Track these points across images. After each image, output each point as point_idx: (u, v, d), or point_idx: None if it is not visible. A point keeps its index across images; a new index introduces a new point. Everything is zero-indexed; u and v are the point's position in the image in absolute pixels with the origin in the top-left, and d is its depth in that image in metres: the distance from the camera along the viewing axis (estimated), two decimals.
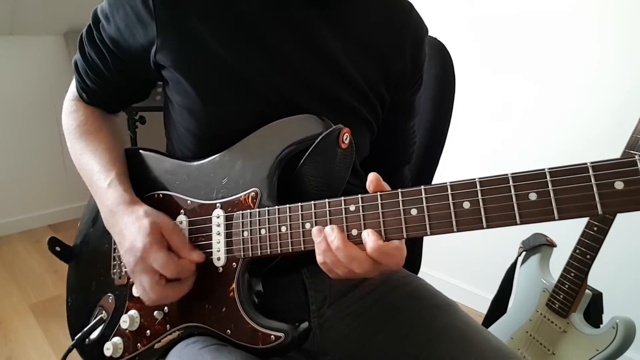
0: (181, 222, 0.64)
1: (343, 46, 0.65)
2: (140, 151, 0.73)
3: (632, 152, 1.00)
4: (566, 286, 1.13)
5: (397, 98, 0.73)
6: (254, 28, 0.61)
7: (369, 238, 0.51)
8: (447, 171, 1.08)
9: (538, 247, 1.26)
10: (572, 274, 1.12)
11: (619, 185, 0.39)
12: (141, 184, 0.68)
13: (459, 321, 0.67)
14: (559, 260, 1.18)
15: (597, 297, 1.14)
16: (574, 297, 1.12)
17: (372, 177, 0.53)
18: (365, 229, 0.52)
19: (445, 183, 0.47)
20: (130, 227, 0.60)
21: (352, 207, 0.52)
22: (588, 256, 1.07)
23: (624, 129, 1.05)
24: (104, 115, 0.76)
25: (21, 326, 1.84)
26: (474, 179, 0.45)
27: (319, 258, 0.53)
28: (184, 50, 0.61)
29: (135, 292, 0.65)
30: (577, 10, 1.47)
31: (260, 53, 0.62)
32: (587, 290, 1.13)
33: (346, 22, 0.66)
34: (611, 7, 1.40)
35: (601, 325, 1.12)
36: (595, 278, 1.12)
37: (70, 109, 0.75)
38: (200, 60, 0.61)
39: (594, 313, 1.14)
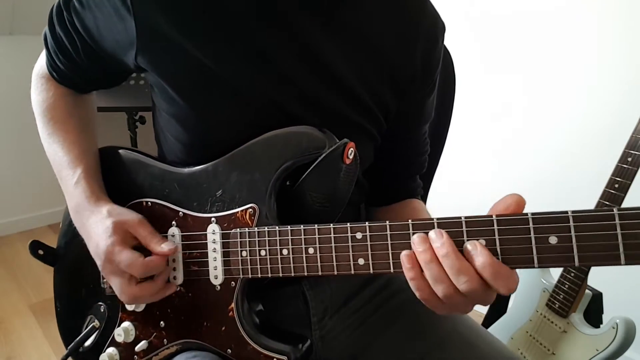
0: (173, 235, 0.60)
1: (342, 52, 0.59)
2: (121, 151, 0.66)
3: (632, 152, 1.00)
4: (566, 286, 1.13)
5: (406, 104, 0.67)
6: (241, 33, 0.56)
7: (480, 251, 0.43)
8: (447, 171, 1.08)
9: None
10: (572, 274, 1.11)
11: None
12: (125, 189, 0.64)
13: (461, 325, 0.66)
14: None
15: (597, 297, 1.13)
16: (574, 297, 1.11)
17: (517, 200, 0.44)
18: (373, 260, 0.48)
19: (460, 218, 0.44)
20: (94, 228, 0.58)
21: (358, 235, 0.49)
22: None
23: (624, 129, 1.05)
24: (76, 98, 0.70)
25: (21, 326, 1.85)
26: (492, 216, 0.43)
27: (411, 273, 0.46)
28: (166, 57, 0.56)
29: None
30: (577, 10, 1.46)
31: (248, 60, 0.57)
32: (587, 290, 1.13)
33: (345, 25, 0.59)
34: (611, 7, 1.39)
35: (601, 325, 1.11)
36: (595, 278, 1.12)
37: (40, 87, 0.69)
38: (185, 67, 0.56)
39: (594, 313, 1.13)
